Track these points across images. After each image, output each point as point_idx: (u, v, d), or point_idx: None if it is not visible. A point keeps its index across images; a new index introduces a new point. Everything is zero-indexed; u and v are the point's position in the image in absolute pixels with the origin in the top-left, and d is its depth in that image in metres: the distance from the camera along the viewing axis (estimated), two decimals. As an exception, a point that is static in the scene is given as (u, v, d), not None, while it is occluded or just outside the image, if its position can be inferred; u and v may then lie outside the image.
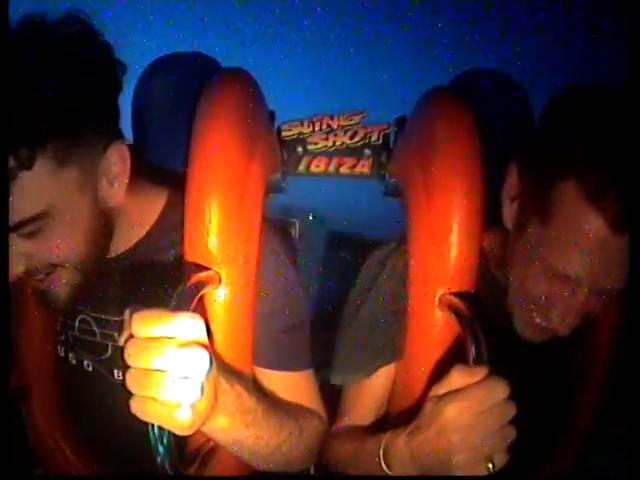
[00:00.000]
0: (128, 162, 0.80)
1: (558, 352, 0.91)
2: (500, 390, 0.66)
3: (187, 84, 0.92)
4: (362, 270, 0.98)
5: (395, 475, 0.75)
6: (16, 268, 0.76)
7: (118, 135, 0.80)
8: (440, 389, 0.70)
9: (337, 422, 0.97)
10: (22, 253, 0.75)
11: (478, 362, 0.70)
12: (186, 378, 0.54)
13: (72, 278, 0.80)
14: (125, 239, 0.87)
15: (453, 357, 0.83)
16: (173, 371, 0.54)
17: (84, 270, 0.80)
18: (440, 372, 0.84)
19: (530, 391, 0.89)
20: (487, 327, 0.73)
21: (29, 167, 0.69)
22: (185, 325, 0.56)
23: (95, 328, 0.90)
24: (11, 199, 0.69)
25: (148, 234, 0.88)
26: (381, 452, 0.76)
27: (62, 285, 0.80)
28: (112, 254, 0.87)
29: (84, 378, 0.93)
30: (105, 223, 0.81)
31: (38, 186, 0.71)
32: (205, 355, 0.55)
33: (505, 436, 0.66)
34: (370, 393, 0.95)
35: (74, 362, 0.94)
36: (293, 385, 0.89)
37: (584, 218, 0.71)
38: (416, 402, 0.85)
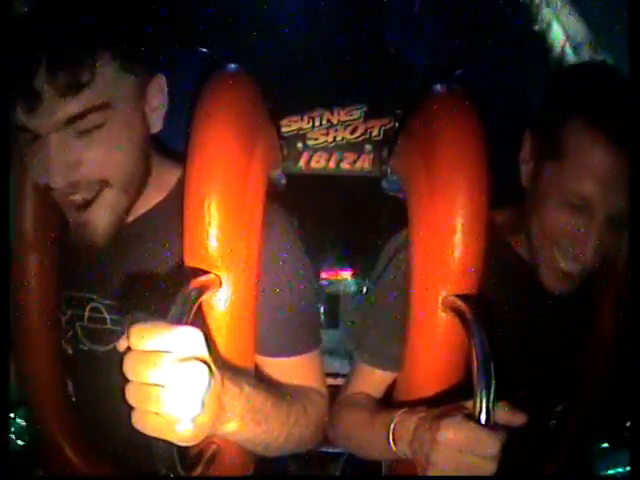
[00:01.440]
0: (166, 95, 0.85)
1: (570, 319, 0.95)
2: (489, 447, 0.66)
3: (186, 81, 0.91)
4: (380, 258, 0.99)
5: (396, 449, 0.78)
6: (64, 175, 0.77)
7: (158, 70, 0.85)
8: (464, 405, 0.71)
9: (343, 392, 0.98)
10: (74, 158, 0.77)
11: (482, 365, 0.69)
12: (185, 393, 0.54)
13: (117, 201, 0.81)
14: (135, 209, 0.88)
15: (456, 360, 0.83)
16: (172, 386, 0.53)
17: (128, 195, 0.82)
18: (442, 375, 0.84)
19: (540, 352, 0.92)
20: (490, 326, 0.73)
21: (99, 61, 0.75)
22: (184, 339, 0.55)
23: (106, 314, 0.90)
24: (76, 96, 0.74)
25: (156, 207, 0.89)
26: (392, 425, 0.78)
27: (106, 211, 0.81)
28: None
29: (90, 374, 0.93)
30: (147, 151, 0.85)
31: (106, 78, 0.76)
32: (204, 370, 0.55)
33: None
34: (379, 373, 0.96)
35: (81, 357, 0.93)
36: (298, 369, 0.90)
37: (591, 145, 0.82)
38: (418, 403, 0.85)
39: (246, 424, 0.69)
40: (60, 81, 0.73)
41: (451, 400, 0.76)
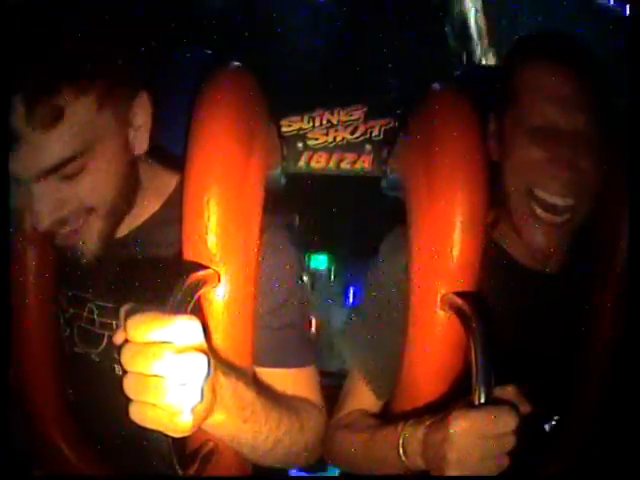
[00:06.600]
0: (150, 111, 0.84)
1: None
2: (507, 421, 0.65)
3: (186, 79, 0.91)
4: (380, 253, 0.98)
5: (409, 463, 0.76)
6: (52, 215, 0.78)
7: (141, 86, 0.84)
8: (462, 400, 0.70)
9: (336, 413, 0.97)
10: (58, 199, 0.77)
11: (482, 363, 0.69)
12: (185, 383, 0.53)
13: (101, 228, 0.82)
14: (132, 220, 0.88)
15: (455, 357, 0.83)
16: (171, 376, 0.53)
17: (112, 220, 0.83)
18: (441, 373, 0.84)
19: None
20: (490, 323, 0.72)
21: (72, 104, 0.73)
22: (182, 329, 0.55)
23: (96, 317, 0.90)
24: (56, 141, 0.73)
25: (154, 216, 0.89)
26: (400, 441, 0.77)
27: (91, 236, 0.82)
28: (119, 233, 0.88)
29: (85, 375, 0.93)
30: (132, 173, 0.84)
31: (82, 125, 0.75)
32: (203, 360, 0.55)
33: (499, 465, 0.66)
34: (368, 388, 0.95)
35: (78, 357, 0.94)
36: (294, 382, 0.89)
37: (540, 73, 0.88)
38: (418, 401, 0.85)
39: (232, 417, 0.69)
40: (36, 128, 0.72)
41: (450, 398, 0.76)
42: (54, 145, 0.73)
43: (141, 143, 0.84)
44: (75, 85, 0.73)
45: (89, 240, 0.82)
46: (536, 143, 0.87)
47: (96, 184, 0.79)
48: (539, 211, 0.88)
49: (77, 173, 0.77)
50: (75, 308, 0.93)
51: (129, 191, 0.85)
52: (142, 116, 0.83)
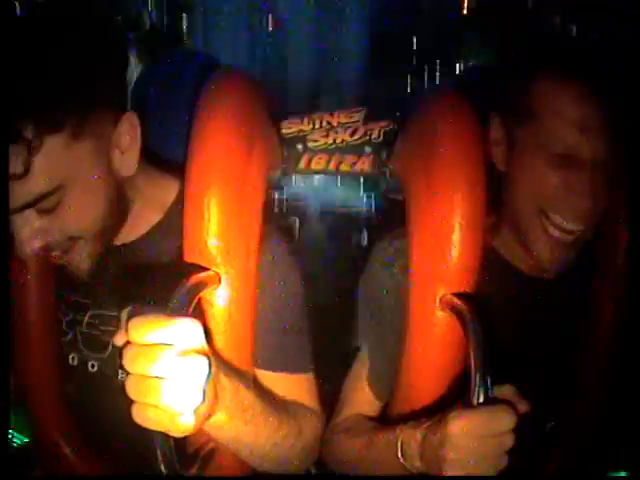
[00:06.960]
0: (138, 131, 0.81)
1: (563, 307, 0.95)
2: (505, 421, 0.65)
3: (187, 82, 0.92)
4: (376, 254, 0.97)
5: (408, 465, 0.76)
6: (33, 244, 0.77)
7: (127, 106, 0.81)
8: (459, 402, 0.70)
9: (335, 417, 0.97)
10: (39, 229, 0.76)
11: (480, 363, 0.69)
12: (187, 385, 0.54)
13: (91, 250, 0.81)
14: (134, 229, 0.88)
15: (453, 358, 0.83)
16: (173, 378, 0.53)
17: (102, 242, 0.82)
18: (440, 373, 0.84)
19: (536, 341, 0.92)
20: (489, 325, 0.73)
21: (43, 142, 0.70)
22: (183, 331, 0.55)
23: (100, 325, 0.90)
24: (28, 176, 0.70)
25: (157, 225, 0.89)
26: (399, 443, 0.77)
27: (82, 259, 0.81)
28: (121, 242, 0.88)
29: (86, 378, 0.93)
30: (120, 195, 0.82)
31: (55, 161, 0.72)
32: (204, 362, 0.55)
33: (497, 465, 0.66)
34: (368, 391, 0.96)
35: (77, 362, 0.94)
36: (293, 387, 0.89)
37: (564, 93, 0.84)
38: (417, 402, 0.85)
39: (233, 419, 0.69)
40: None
41: (449, 399, 0.76)
42: (26, 185, 0.71)
43: (128, 166, 0.81)
44: (42, 125, 0.69)
45: (80, 261, 0.82)
46: (555, 168, 0.85)
47: (76, 216, 0.77)
48: (551, 229, 0.87)
49: (54, 207, 0.75)
50: (76, 313, 0.93)
51: (120, 211, 0.84)
52: (128, 139, 0.80)
